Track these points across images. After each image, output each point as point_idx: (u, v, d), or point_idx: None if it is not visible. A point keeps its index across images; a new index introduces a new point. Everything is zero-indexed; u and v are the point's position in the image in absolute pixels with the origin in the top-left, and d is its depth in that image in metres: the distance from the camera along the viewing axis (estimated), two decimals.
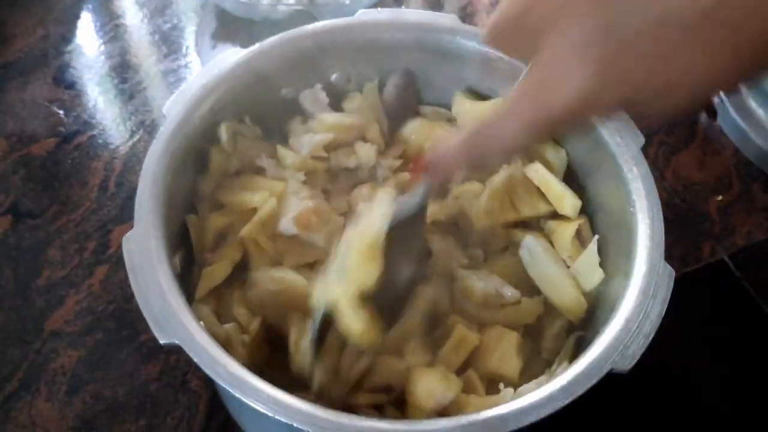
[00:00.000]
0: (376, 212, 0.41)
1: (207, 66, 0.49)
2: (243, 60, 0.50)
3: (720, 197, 0.68)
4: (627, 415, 0.55)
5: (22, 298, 0.58)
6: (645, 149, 0.69)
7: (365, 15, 0.54)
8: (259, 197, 0.49)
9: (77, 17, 0.79)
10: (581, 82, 0.29)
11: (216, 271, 0.48)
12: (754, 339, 0.60)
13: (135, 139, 0.68)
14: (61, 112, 0.70)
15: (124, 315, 0.57)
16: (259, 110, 0.53)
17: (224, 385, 0.35)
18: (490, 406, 0.36)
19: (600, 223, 0.51)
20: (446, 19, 0.54)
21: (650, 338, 0.39)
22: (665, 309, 0.41)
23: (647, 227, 0.44)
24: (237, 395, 0.35)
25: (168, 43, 0.77)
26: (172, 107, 0.47)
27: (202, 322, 0.39)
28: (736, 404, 0.56)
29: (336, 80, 0.55)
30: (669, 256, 0.62)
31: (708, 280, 0.63)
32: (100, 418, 0.53)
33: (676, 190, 0.68)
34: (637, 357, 0.38)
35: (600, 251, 0.49)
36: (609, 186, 0.49)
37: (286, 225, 0.47)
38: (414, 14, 0.54)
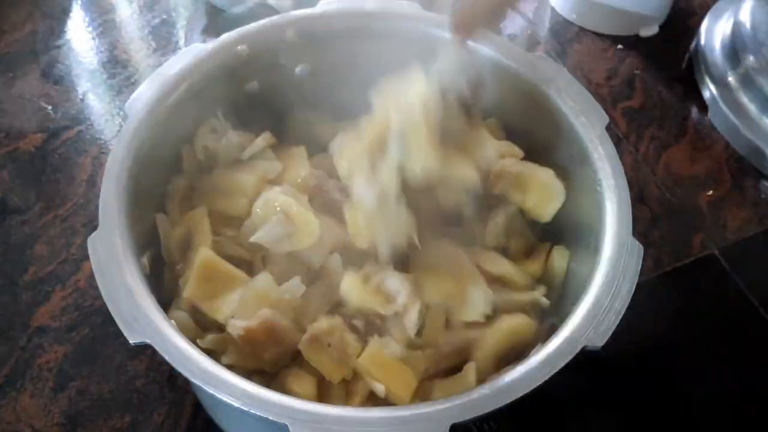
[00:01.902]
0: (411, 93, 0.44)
1: (168, 62, 0.49)
2: (205, 55, 0.50)
3: (711, 192, 0.67)
4: (618, 407, 0.55)
5: (9, 294, 0.58)
6: (636, 145, 0.70)
7: (327, 5, 0.53)
8: (234, 204, 0.49)
9: (66, 12, 0.78)
10: None
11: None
12: (744, 332, 0.60)
13: None
14: (50, 107, 0.70)
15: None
16: (223, 105, 0.53)
17: (197, 382, 0.35)
18: (458, 389, 0.36)
19: (567, 203, 0.51)
20: (407, 6, 0.54)
21: (621, 314, 0.40)
22: (635, 285, 0.41)
23: (614, 205, 0.44)
24: (210, 391, 0.35)
25: (157, 38, 0.77)
26: (133, 105, 0.46)
27: (178, 329, 0.39)
28: (727, 397, 0.56)
29: (300, 72, 0.55)
30: (659, 251, 0.63)
31: (698, 274, 0.62)
32: (86, 414, 0.53)
33: (666, 184, 0.68)
34: (610, 333, 0.39)
35: (568, 231, 0.50)
36: (575, 166, 0.49)
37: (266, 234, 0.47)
38: (373, 3, 0.54)
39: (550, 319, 0.47)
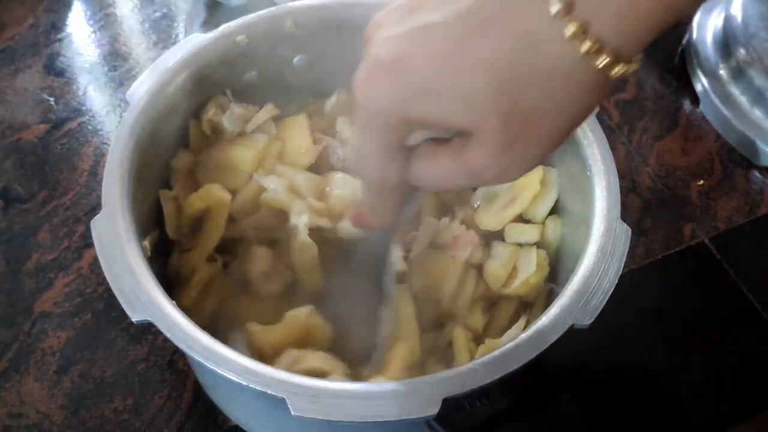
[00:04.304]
0: None
1: (168, 52, 0.50)
2: (204, 46, 0.51)
3: (702, 182, 0.69)
4: (609, 387, 0.56)
5: (12, 281, 0.59)
6: (629, 136, 0.71)
7: None
8: (233, 179, 0.50)
9: (68, 6, 0.79)
10: None
11: (195, 259, 0.49)
12: (734, 319, 0.61)
13: None
14: (52, 99, 0.71)
15: (113, 297, 0.56)
16: (223, 94, 0.54)
17: (198, 358, 0.36)
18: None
19: (559, 186, 0.52)
20: None
21: (609, 294, 0.41)
22: (625, 269, 0.42)
23: (603, 189, 0.45)
24: (211, 367, 0.36)
25: (158, 31, 0.78)
26: (134, 94, 0.47)
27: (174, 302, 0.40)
28: (715, 384, 0.57)
29: (298, 63, 0.56)
30: (651, 239, 0.64)
31: (689, 262, 0.64)
32: (89, 397, 0.54)
33: (659, 175, 0.69)
34: (597, 312, 0.40)
35: (559, 213, 0.52)
36: (566, 150, 0.50)
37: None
38: None
39: (548, 284, 0.50)
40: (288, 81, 0.55)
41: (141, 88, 0.48)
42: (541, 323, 0.39)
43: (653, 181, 0.68)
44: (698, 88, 0.74)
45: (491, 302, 0.52)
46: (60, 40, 0.76)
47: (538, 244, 0.52)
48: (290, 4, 0.54)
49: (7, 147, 0.67)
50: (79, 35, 0.77)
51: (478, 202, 0.54)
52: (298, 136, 0.54)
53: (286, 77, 0.55)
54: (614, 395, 0.56)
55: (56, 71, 0.73)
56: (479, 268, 0.51)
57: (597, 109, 0.49)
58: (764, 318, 0.60)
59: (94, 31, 0.77)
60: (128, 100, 0.47)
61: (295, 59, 0.56)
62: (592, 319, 0.40)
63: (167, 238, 0.49)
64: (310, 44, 0.55)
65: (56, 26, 0.77)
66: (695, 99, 0.74)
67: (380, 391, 0.36)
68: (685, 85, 0.75)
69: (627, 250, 0.43)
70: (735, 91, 0.71)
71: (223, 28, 0.52)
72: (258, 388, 0.35)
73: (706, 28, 0.76)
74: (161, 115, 0.48)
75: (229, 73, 0.53)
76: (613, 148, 0.48)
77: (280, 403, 0.35)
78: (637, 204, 0.67)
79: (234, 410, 0.51)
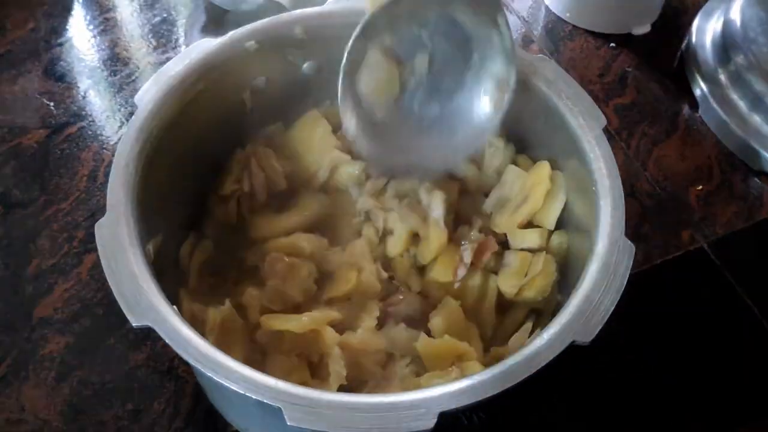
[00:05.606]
0: None
1: (179, 55, 0.50)
2: (213, 51, 0.51)
3: (700, 187, 0.69)
4: (606, 398, 0.56)
5: (12, 287, 0.59)
6: (627, 141, 0.71)
7: (334, 3, 0.54)
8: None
9: (68, 11, 0.80)
10: None
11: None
12: (732, 324, 0.61)
13: (124, 130, 0.68)
14: (52, 103, 0.71)
15: (112, 302, 0.56)
16: (232, 99, 0.54)
17: (196, 365, 0.36)
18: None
19: (566, 190, 0.53)
20: None
21: (611, 311, 0.41)
22: (625, 283, 0.42)
23: (608, 205, 0.45)
24: (209, 374, 0.36)
25: (158, 36, 0.78)
26: (142, 97, 0.47)
27: (175, 307, 0.40)
28: (714, 389, 0.57)
29: (307, 69, 0.56)
30: (649, 244, 0.64)
31: (687, 267, 0.64)
32: (88, 402, 0.54)
33: (657, 180, 0.69)
34: (598, 329, 0.40)
35: (565, 227, 0.52)
36: (573, 166, 0.50)
37: None
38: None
39: (556, 295, 0.50)
40: (296, 87, 0.56)
41: (149, 91, 0.48)
42: (541, 340, 0.39)
43: (652, 186, 0.68)
44: (697, 92, 0.74)
45: (502, 309, 0.52)
46: (60, 44, 0.76)
47: (545, 252, 0.52)
48: (300, 10, 0.54)
49: (7, 152, 0.67)
50: (79, 40, 0.77)
51: (491, 210, 0.54)
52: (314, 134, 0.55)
53: (294, 84, 0.55)
54: (613, 403, 0.56)
55: (56, 76, 0.74)
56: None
57: (605, 123, 0.49)
58: (763, 323, 0.60)
59: (94, 36, 0.77)
60: (136, 103, 0.48)
61: (305, 66, 0.56)
62: (593, 336, 0.39)
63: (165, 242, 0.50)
64: (319, 51, 0.55)
65: (56, 31, 0.77)
66: (694, 104, 0.74)
67: (377, 404, 0.36)
68: (684, 89, 0.75)
69: (630, 267, 0.42)
70: (734, 96, 0.71)
71: (232, 33, 0.52)
72: (255, 396, 0.35)
73: (705, 32, 0.77)
74: (168, 120, 0.48)
75: (238, 78, 0.53)
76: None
77: (277, 412, 0.35)
78: (636, 209, 0.67)
79: (234, 415, 0.51)
